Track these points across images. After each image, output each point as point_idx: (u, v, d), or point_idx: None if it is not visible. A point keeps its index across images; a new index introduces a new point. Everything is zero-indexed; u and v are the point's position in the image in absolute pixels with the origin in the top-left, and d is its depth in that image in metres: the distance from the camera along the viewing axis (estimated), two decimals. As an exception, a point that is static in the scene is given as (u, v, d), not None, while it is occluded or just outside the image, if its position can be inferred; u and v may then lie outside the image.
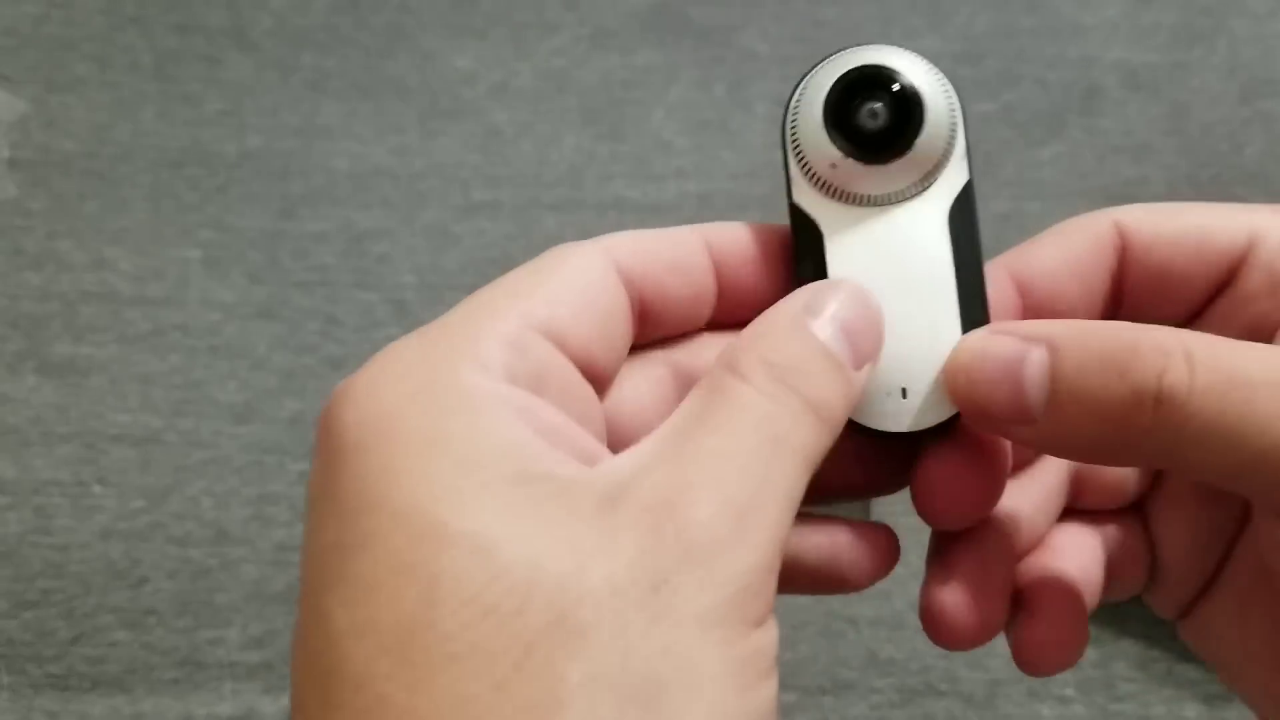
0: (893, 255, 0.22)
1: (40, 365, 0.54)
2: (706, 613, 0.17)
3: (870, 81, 0.21)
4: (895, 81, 0.22)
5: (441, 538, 0.17)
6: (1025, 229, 0.56)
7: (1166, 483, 0.25)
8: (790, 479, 0.19)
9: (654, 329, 0.23)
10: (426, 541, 0.17)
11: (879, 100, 0.21)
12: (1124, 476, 0.25)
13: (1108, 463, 0.23)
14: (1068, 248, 0.24)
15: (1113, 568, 0.25)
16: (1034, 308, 0.24)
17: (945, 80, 0.22)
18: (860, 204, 0.22)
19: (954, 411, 0.22)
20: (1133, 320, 0.23)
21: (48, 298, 0.55)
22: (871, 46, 0.22)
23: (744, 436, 0.19)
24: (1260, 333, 0.22)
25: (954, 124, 0.22)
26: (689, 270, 0.23)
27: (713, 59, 0.62)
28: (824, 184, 0.22)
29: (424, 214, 0.58)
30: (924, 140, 0.22)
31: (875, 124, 0.21)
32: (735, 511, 0.18)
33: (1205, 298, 0.23)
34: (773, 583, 0.19)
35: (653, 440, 0.20)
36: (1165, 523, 0.25)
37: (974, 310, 0.22)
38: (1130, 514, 0.25)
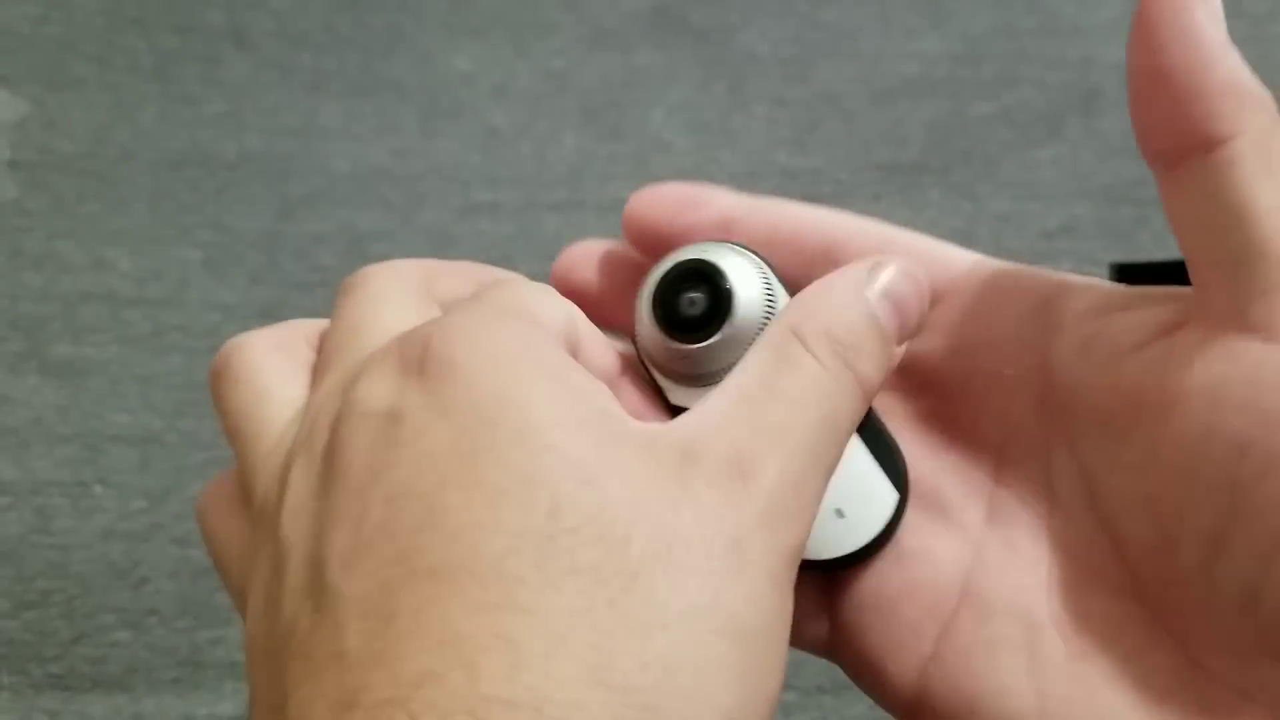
0: None
1: (41, 366, 0.54)
2: (775, 572, 0.20)
3: (683, 276, 0.24)
4: (702, 268, 0.23)
5: (557, 461, 0.19)
6: (1025, 229, 0.57)
7: None
8: (834, 456, 0.21)
9: None
10: (545, 461, 0.19)
11: (693, 289, 0.23)
12: None
13: None
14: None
15: None
16: None
17: (748, 256, 0.24)
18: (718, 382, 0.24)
19: (877, 531, 0.24)
20: None
21: (48, 299, 0.55)
22: (674, 252, 0.24)
23: (806, 412, 0.21)
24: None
25: (767, 287, 0.24)
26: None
27: (712, 59, 0.62)
28: (687, 377, 0.24)
29: (423, 215, 0.58)
30: (741, 308, 0.23)
31: (694, 310, 0.23)
32: (794, 484, 0.20)
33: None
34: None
35: (720, 399, 0.21)
36: None
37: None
38: None
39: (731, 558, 0.19)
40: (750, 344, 0.23)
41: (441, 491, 0.19)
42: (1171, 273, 0.52)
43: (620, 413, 0.21)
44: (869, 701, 0.28)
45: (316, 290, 0.56)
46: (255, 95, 0.61)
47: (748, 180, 0.60)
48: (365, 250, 0.57)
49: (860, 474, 0.24)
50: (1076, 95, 0.61)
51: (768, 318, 0.23)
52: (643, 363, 0.24)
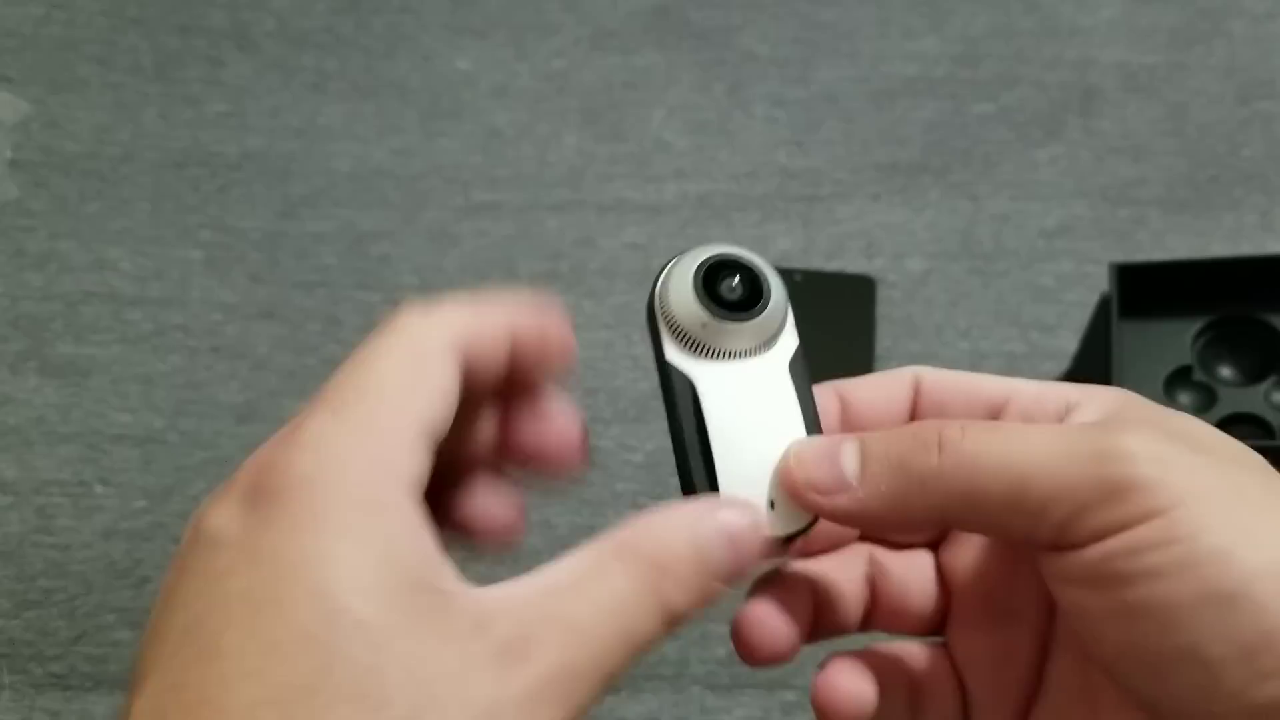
0: (752, 398, 0.28)
1: (42, 366, 0.54)
2: None
3: (729, 265, 0.28)
4: (748, 265, 0.28)
5: (346, 623, 0.21)
6: (1024, 229, 0.57)
7: (960, 608, 0.29)
8: (619, 665, 0.23)
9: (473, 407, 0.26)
10: (334, 621, 0.21)
11: (737, 276, 0.28)
12: (918, 596, 0.29)
13: (914, 522, 0.28)
14: (879, 380, 0.30)
15: (921, 697, 0.29)
16: (853, 416, 0.29)
17: (776, 272, 0.28)
18: (722, 359, 0.27)
19: (806, 522, 0.27)
20: None
21: (49, 298, 0.56)
22: (717, 244, 0.28)
23: (601, 618, 0.23)
24: None
25: (786, 300, 0.28)
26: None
27: (712, 60, 0.62)
28: (694, 343, 0.27)
29: (425, 215, 0.58)
30: (770, 307, 0.27)
31: (734, 294, 0.27)
32: (568, 677, 0.22)
33: None
34: None
35: (532, 581, 0.23)
36: (964, 647, 0.29)
37: (814, 432, 0.28)
38: (936, 647, 0.29)
39: None
40: (776, 330, 0.28)
41: (225, 634, 0.21)
42: (1170, 272, 0.52)
43: (431, 576, 0.22)
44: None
45: (317, 290, 0.56)
46: (257, 95, 0.61)
47: (747, 180, 0.60)
48: (366, 250, 0.57)
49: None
50: (1075, 95, 0.61)
51: (787, 312, 0.28)
52: (655, 327, 0.28)
